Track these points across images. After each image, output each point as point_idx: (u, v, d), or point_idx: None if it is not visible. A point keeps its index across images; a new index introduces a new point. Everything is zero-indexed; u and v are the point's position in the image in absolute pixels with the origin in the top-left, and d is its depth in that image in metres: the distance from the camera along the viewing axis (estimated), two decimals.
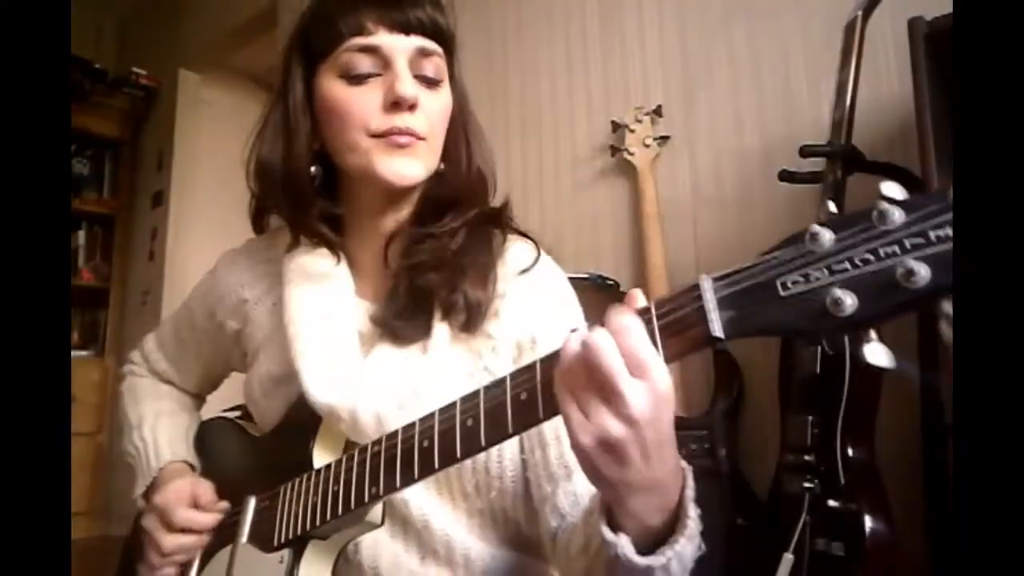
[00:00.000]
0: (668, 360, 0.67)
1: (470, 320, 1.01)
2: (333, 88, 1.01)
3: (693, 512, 0.75)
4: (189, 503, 1.10)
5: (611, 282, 2.33)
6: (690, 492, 0.76)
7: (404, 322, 1.02)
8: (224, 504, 1.10)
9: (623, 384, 0.65)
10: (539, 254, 1.09)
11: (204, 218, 4.50)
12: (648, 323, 0.68)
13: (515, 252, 1.08)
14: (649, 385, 0.66)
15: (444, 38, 1.05)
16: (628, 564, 0.74)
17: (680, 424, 1.99)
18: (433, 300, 1.02)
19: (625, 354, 0.66)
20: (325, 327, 1.04)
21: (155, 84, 4.86)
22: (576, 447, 0.69)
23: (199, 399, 1.37)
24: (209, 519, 1.09)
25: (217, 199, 4.49)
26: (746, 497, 1.94)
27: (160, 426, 1.24)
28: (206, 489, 1.12)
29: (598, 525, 0.76)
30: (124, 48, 5.26)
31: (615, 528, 0.75)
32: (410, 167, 1.01)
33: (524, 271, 1.06)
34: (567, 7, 2.73)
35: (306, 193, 1.04)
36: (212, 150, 4.59)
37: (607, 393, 0.66)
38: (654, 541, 0.75)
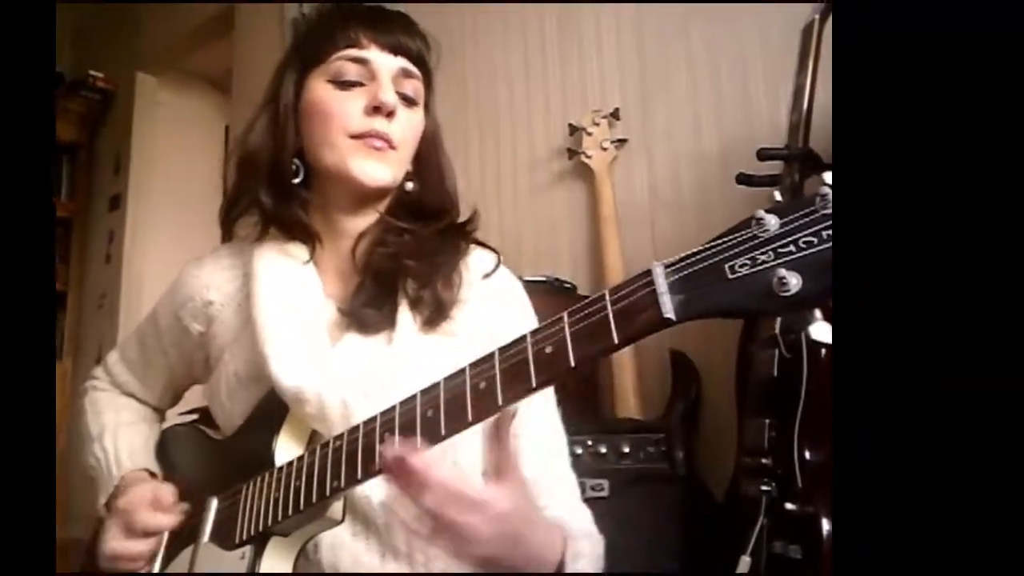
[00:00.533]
0: (623, 343, 0.71)
1: (435, 316, 1.09)
2: (321, 91, 1.12)
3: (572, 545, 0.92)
4: (150, 506, 1.11)
5: (568, 285, 2.32)
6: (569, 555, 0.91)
7: (371, 310, 1.09)
8: (185, 505, 1.11)
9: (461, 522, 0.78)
10: (499, 261, 1.18)
11: (161, 221, 4.46)
12: (603, 308, 0.72)
13: (477, 258, 1.17)
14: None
15: (425, 68, 1.17)
16: None
17: (637, 427, 2.00)
18: (398, 290, 1.10)
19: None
20: (293, 318, 1.10)
21: (112, 87, 4.81)
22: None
23: (160, 413, 1.37)
24: (169, 520, 1.10)
25: (174, 202, 4.46)
26: (703, 500, 1.93)
27: (120, 437, 1.25)
28: (167, 491, 1.13)
29: None
30: (80, 51, 5.19)
31: None
32: (380, 171, 1.11)
33: (487, 275, 1.15)
34: (524, 11, 2.73)
35: (290, 184, 1.13)
36: (169, 153, 4.56)
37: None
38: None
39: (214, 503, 1.07)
